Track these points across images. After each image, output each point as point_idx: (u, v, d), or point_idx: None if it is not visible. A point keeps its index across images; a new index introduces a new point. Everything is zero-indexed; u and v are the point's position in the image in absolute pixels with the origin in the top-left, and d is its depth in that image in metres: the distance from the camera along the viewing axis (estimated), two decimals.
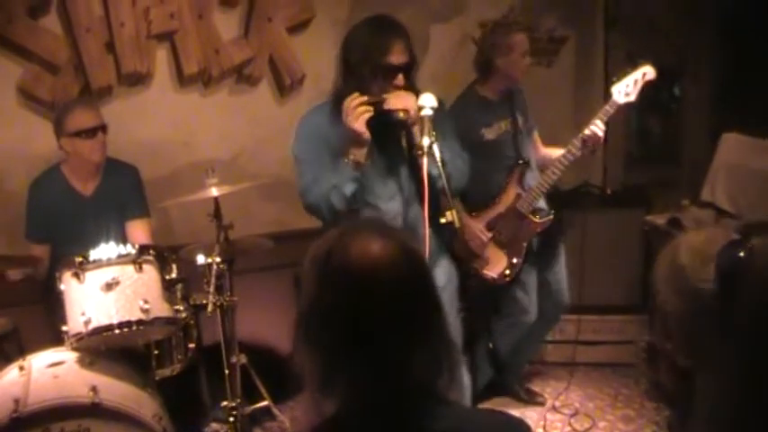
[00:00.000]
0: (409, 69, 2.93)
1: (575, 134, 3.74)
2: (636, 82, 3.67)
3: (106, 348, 3.12)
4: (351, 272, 1.40)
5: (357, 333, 1.39)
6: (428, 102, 2.79)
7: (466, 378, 3.42)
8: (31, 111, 3.95)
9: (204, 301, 3.34)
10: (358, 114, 2.81)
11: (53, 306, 3.23)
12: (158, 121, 4.24)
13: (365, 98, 2.82)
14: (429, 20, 4.64)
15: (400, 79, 2.89)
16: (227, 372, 3.53)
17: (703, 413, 1.56)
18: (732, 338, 1.47)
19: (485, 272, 3.81)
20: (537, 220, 3.87)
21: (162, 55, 4.20)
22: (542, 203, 3.93)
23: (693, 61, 5.47)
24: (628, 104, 3.71)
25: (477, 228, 3.80)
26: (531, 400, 4.29)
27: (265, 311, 4.04)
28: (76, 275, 3.06)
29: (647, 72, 3.70)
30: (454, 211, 2.70)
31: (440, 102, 2.88)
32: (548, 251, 4.07)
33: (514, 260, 3.84)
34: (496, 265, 3.84)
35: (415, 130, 2.84)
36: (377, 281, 1.40)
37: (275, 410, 3.86)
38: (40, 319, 3.61)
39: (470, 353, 3.79)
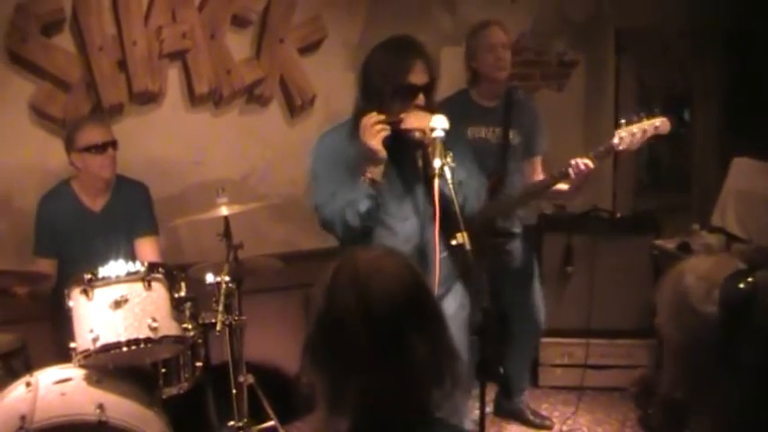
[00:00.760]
0: (429, 89, 2.93)
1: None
2: (644, 132, 3.30)
3: (114, 366, 3.12)
4: (357, 285, 1.44)
5: (364, 347, 1.41)
6: (440, 123, 2.79)
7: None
8: (44, 128, 3.97)
9: (213, 321, 3.34)
10: (375, 132, 2.81)
11: (61, 322, 3.23)
12: (169, 139, 4.25)
13: (382, 117, 2.83)
14: (441, 43, 4.65)
15: (421, 99, 2.89)
16: (234, 391, 3.52)
17: None
18: (736, 371, 1.45)
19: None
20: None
21: (174, 74, 4.22)
22: (516, 227, 3.74)
23: (703, 86, 5.48)
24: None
25: None
26: (540, 423, 4.26)
27: (274, 332, 4.03)
28: (85, 292, 3.05)
29: (659, 125, 3.31)
30: (465, 234, 2.68)
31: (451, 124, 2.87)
32: (521, 271, 3.96)
33: None
34: None
35: (429, 150, 2.84)
36: (382, 292, 1.44)
37: (282, 431, 3.84)
38: (48, 335, 3.61)
39: (481, 380, 3.75)
